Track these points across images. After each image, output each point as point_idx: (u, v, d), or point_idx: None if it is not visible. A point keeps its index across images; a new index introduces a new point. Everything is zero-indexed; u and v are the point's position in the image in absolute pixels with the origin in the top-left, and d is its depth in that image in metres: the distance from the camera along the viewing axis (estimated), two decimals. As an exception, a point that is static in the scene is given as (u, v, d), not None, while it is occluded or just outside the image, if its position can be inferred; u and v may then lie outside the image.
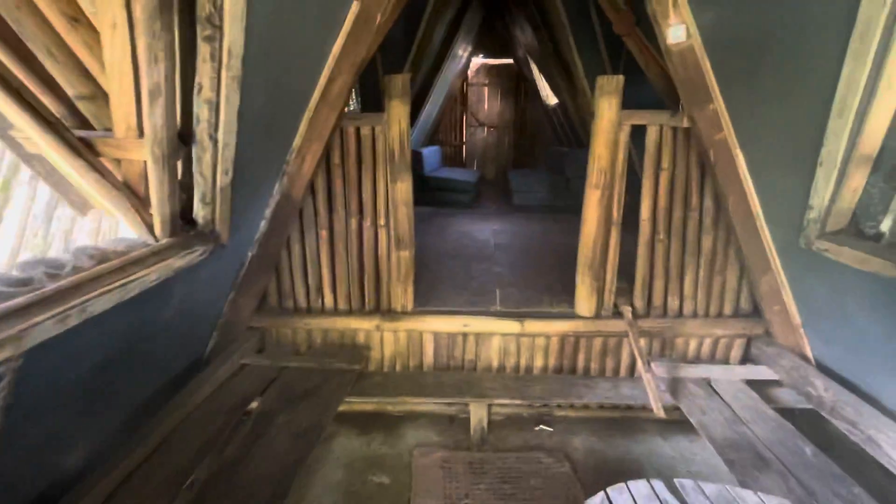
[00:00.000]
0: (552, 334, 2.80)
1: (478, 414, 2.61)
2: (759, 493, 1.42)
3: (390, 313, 2.87)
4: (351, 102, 5.21)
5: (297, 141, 2.40)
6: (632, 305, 2.81)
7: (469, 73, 9.03)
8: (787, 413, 2.29)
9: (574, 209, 3.12)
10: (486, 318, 2.80)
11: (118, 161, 1.77)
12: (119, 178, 1.76)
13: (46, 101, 1.75)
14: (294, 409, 2.29)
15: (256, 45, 1.72)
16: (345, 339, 2.91)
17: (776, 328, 2.63)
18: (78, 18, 1.63)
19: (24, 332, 1.20)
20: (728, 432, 2.16)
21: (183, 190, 1.94)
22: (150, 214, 1.80)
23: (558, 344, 2.82)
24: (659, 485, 1.44)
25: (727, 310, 2.82)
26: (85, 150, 1.62)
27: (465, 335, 2.85)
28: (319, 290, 2.89)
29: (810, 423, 2.26)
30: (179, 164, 1.87)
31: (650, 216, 2.70)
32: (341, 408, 2.46)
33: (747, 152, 2.32)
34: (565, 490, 2.22)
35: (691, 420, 2.29)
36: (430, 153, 6.95)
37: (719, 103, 2.28)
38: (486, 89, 9.24)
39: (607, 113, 2.53)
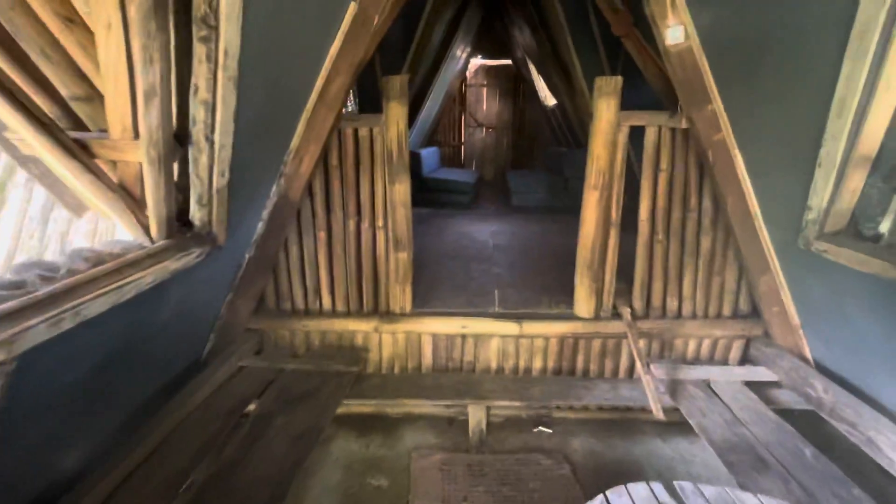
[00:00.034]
0: (551, 335, 2.79)
1: (476, 416, 2.60)
2: (758, 495, 1.41)
3: (388, 315, 2.86)
4: (349, 103, 5.21)
5: (294, 142, 2.39)
6: (631, 306, 2.80)
7: (467, 73, 9.02)
8: (786, 414, 2.29)
9: (573, 210, 3.12)
10: (485, 319, 2.80)
11: (114, 163, 1.75)
12: (115, 179, 1.75)
13: (41, 102, 1.74)
14: (292, 411, 2.28)
15: (253, 45, 1.71)
16: (343, 340, 2.90)
17: (775, 329, 2.63)
18: (72, 19, 1.62)
19: (17, 336, 1.18)
20: (727, 434, 2.16)
21: (179, 191, 1.93)
22: (146, 216, 1.79)
23: (557, 345, 2.82)
24: (658, 487, 1.44)
25: (726, 311, 2.82)
26: (80, 152, 1.61)
27: (463, 337, 2.84)
28: (317, 291, 2.89)
29: (810, 424, 2.26)
30: (176, 166, 1.86)
31: (649, 217, 2.70)
32: (339, 410, 2.45)
33: (746, 153, 2.31)
34: (564, 492, 2.21)
35: (691, 422, 2.28)
36: (429, 154, 6.94)
37: (718, 104, 2.28)
38: (484, 90, 9.23)
39: (606, 114, 2.52)
